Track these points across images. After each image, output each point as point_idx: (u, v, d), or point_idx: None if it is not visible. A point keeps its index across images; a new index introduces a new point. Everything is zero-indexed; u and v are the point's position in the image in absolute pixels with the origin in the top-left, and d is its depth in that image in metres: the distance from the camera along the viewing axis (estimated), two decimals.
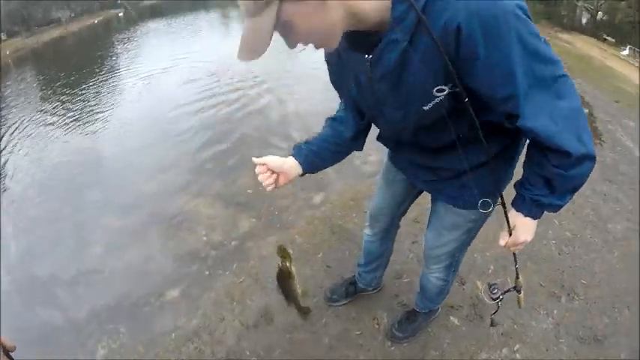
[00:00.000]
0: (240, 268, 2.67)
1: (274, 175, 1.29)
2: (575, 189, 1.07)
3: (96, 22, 25.71)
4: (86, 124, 6.06)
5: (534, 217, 1.15)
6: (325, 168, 1.42)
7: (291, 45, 0.95)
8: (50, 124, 6.36)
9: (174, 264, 2.81)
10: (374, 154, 3.99)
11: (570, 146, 0.93)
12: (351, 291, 2.29)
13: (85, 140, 5.50)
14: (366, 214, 1.94)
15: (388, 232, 1.93)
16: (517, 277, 1.40)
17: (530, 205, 1.13)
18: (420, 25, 0.87)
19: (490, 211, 1.27)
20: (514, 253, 1.32)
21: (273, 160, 1.27)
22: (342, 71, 1.19)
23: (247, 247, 2.88)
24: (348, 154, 1.44)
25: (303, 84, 6.57)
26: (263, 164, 1.26)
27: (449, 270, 1.72)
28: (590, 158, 0.97)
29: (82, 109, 6.89)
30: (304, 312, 1.56)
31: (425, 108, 1.02)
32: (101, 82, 8.73)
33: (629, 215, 3.25)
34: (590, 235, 2.99)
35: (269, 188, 1.29)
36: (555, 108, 0.91)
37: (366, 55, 1.01)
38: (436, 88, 0.96)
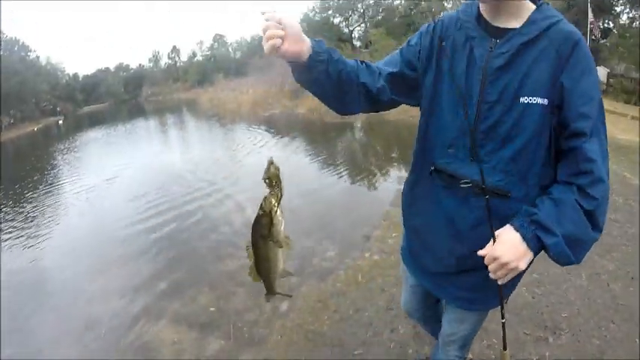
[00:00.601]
0: None
1: (282, 33, 1.06)
2: (583, 224, 1.10)
3: (35, 129, 25.53)
4: (28, 245, 5.78)
5: (524, 237, 1.11)
6: (326, 74, 1.18)
7: None
8: None
9: None
10: (332, 249, 4.08)
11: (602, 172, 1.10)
12: None
13: (26, 264, 5.17)
14: None
15: (427, 320, 1.96)
16: (504, 348, 1.36)
17: (523, 219, 1.12)
18: (548, 31, 1.12)
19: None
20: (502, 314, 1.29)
21: (285, 17, 1.07)
22: (446, 53, 1.26)
23: None
24: (343, 96, 1.26)
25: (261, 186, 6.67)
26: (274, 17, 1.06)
27: (463, 349, 1.73)
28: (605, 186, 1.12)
29: (21, 227, 6.62)
30: (274, 293, 1.26)
31: (523, 99, 1.14)
32: (43, 195, 8.59)
33: None
34: (555, 270, 3.22)
35: (275, 44, 1.05)
36: (603, 142, 1.14)
37: (493, 39, 1.18)
38: (527, 98, 1.14)
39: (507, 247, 1.12)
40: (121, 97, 69.28)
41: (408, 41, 1.36)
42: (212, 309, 3.45)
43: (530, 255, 1.12)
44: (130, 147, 14.70)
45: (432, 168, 1.31)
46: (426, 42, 1.30)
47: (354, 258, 3.95)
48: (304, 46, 1.10)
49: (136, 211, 6.50)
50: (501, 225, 1.16)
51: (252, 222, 1.10)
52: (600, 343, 2.55)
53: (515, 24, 1.16)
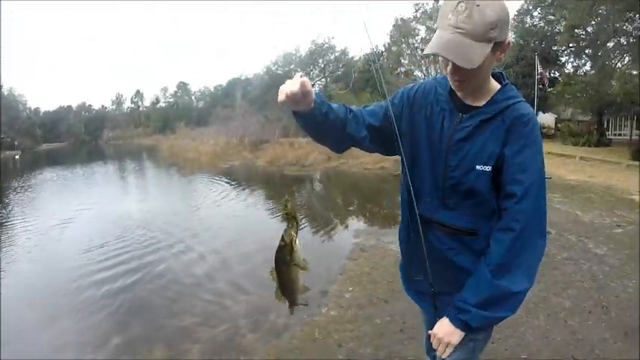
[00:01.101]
0: None
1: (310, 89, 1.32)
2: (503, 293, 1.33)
3: None
4: None
5: (450, 319, 1.40)
6: (322, 121, 1.41)
7: (453, 73, 1.33)
8: None
9: None
10: (288, 305, 4.17)
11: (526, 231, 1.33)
12: None
13: None
14: None
15: None
16: None
17: (450, 308, 1.41)
18: (505, 110, 1.34)
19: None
20: None
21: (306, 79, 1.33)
22: (425, 116, 1.51)
23: None
24: (333, 139, 1.53)
25: (221, 237, 6.80)
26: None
27: None
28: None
29: None
30: (297, 304, 1.53)
31: (478, 167, 1.37)
32: None
33: (537, 277, 3.82)
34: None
35: (298, 94, 1.28)
36: (538, 204, 1.34)
37: (460, 114, 1.42)
38: (480, 166, 1.37)
39: (441, 326, 1.43)
40: (82, 138, 67.85)
41: (392, 99, 1.58)
42: None
43: (458, 332, 1.39)
44: (87, 191, 14.38)
45: (417, 212, 1.53)
46: (407, 103, 1.56)
47: (311, 314, 3.98)
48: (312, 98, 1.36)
49: (91, 260, 6.35)
50: (474, 256, 1.44)
51: (276, 251, 1.38)
52: None
53: (480, 102, 1.40)
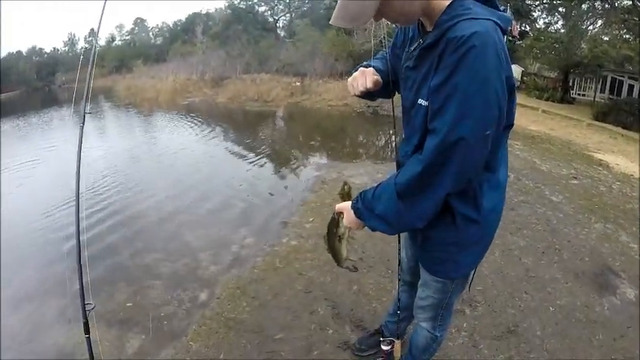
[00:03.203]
0: None
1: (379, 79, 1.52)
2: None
3: None
4: None
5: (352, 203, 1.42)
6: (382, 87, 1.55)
7: (376, 19, 1.24)
8: None
9: None
10: (250, 236, 4.15)
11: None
12: (377, 341, 2.32)
13: None
14: None
15: (413, 286, 1.94)
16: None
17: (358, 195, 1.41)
18: (446, 33, 1.13)
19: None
20: None
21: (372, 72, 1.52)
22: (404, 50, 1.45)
23: None
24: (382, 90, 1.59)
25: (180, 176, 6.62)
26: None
27: (433, 322, 1.79)
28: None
29: None
30: (342, 266, 1.71)
31: (419, 101, 1.27)
32: None
33: None
34: None
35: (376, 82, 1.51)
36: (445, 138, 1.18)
37: (420, 41, 1.30)
38: (421, 99, 1.26)
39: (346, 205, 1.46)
40: (34, 85, 63.08)
41: (394, 38, 1.58)
42: (129, 304, 3.35)
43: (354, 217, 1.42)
44: (44, 138, 13.56)
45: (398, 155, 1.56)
46: (401, 40, 1.52)
47: (272, 244, 4.03)
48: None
49: (52, 206, 5.94)
50: None
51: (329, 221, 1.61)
52: (515, 312, 2.86)
53: (431, 27, 1.24)
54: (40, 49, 73.50)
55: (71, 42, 72.50)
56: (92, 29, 69.75)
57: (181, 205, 5.52)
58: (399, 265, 1.96)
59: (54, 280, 3.76)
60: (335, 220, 1.57)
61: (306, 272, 3.46)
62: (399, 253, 1.93)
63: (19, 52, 70.58)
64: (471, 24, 1.09)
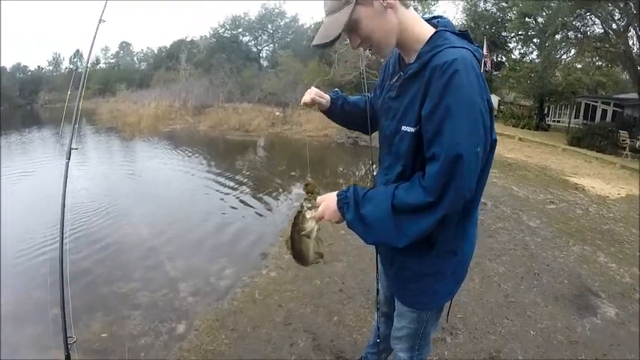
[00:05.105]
0: None
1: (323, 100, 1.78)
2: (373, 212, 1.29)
3: None
4: None
5: (338, 197, 1.36)
6: (342, 113, 1.85)
7: (354, 45, 1.31)
8: None
9: None
10: (229, 266, 4.13)
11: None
12: None
13: None
14: None
15: (390, 316, 1.92)
16: None
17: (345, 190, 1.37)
18: (429, 62, 1.21)
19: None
20: None
21: (312, 91, 1.76)
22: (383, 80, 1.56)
23: None
24: (356, 122, 1.84)
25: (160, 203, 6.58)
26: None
27: (410, 352, 1.77)
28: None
29: None
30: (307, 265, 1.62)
31: (403, 128, 1.32)
32: None
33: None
34: None
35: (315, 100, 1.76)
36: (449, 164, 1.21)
37: (401, 73, 1.36)
38: (405, 126, 1.31)
39: (329, 198, 1.42)
40: (16, 102, 61.83)
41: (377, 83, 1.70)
42: (104, 335, 3.25)
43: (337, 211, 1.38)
44: (24, 158, 13.31)
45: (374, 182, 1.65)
46: (381, 76, 1.62)
47: (252, 275, 4.01)
48: (326, 99, 1.78)
49: (28, 229, 5.81)
50: None
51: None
52: (496, 337, 2.89)
53: (412, 59, 1.32)
54: (25, 66, 73.02)
55: (56, 62, 72.43)
56: (78, 50, 69.70)
57: (161, 234, 5.46)
58: (377, 295, 1.97)
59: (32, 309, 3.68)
60: (301, 214, 1.47)
61: (286, 304, 3.44)
62: (377, 284, 1.94)
63: (2, 68, 68.84)
64: (452, 52, 1.18)
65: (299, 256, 1.55)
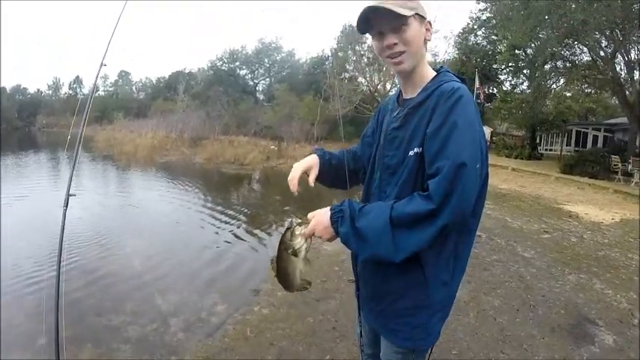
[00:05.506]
0: None
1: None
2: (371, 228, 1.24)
3: None
4: None
5: (332, 211, 1.31)
6: (329, 172, 1.67)
7: (389, 42, 1.32)
8: None
9: None
10: (221, 302, 4.08)
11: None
12: None
13: None
14: None
15: (377, 357, 1.84)
16: None
17: (339, 204, 1.33)
18: (434, 92, 1.29)
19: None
20: None
21: (298, 170, 1.57)
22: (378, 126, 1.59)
23: None
24: (341, 176, 1.67)
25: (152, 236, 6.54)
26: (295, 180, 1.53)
27: None
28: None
29: None
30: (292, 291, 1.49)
31: (410, 153, 1.33)
32: None
33: (468, 278, 3.98)
34: None
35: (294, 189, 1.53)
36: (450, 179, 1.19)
37: (401, 108, 1.42)
38: (412, 151, 1.32)
39: (316, 214, 1.37)
40: (14, 124, 62.40)
41: (365, 130, 1.72)
42: None
43: (330, 227, 1.33)
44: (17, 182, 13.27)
45: None
46: (375, 122, 1.66)
47: (243, 312, 3.94)
48: (315, 161, 1.63)
49: (16, 256, 5.76)
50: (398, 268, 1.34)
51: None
52: None
53: (416, 93, 1.38)
54: (24, 88, 73.83)
55: (55, 86, 73.05)
56: (77, 76, 70.54)
57: (154, 267, 5.42)
58: (360, 337, 1.94)
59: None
60: (289, 230, 1.37)
61: (278, 342, 3.37)
62: (359, 325, 1.90)
63: (2, 89, 69.19)
64: (456, 83, 1.30)
65: (284, 277, 1.41)
